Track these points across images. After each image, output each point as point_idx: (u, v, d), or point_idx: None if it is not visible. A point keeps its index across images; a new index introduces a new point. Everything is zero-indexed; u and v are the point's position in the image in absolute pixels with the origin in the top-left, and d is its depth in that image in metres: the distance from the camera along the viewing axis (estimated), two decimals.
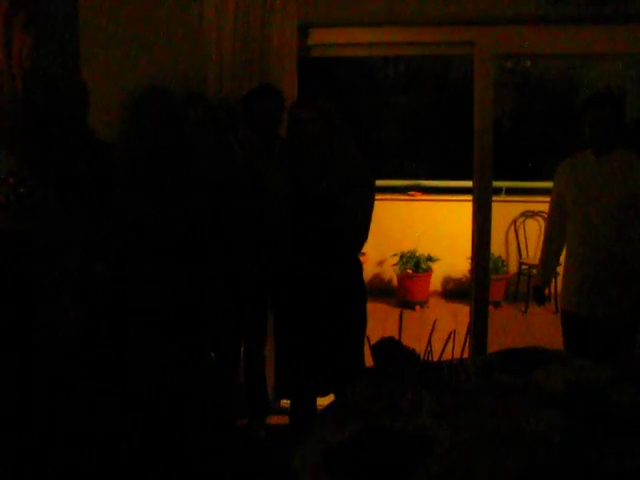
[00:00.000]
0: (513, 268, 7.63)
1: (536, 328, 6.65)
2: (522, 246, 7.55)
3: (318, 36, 4.11)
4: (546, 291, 4.27)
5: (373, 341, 2.66)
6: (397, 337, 2.71)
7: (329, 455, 2.09)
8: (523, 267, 7.51)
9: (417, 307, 7.34)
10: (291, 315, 3.47)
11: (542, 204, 6.91)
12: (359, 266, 3.51)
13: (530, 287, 7.26)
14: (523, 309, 7.20)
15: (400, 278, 7.50)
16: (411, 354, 2.58)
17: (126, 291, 3.42)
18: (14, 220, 3.12)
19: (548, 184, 4.18)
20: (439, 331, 2.72)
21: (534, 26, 3.96)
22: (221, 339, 4.02)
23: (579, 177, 3.71)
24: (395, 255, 7.52)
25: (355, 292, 3.46)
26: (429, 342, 2.66)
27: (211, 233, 3.72)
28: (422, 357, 2.63)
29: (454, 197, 7.81)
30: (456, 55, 7.85)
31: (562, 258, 3.95)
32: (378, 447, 2.14)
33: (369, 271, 7.71)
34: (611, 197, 3.56)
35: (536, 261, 7.39)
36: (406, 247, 7.54)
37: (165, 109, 3.90)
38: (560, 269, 4.05)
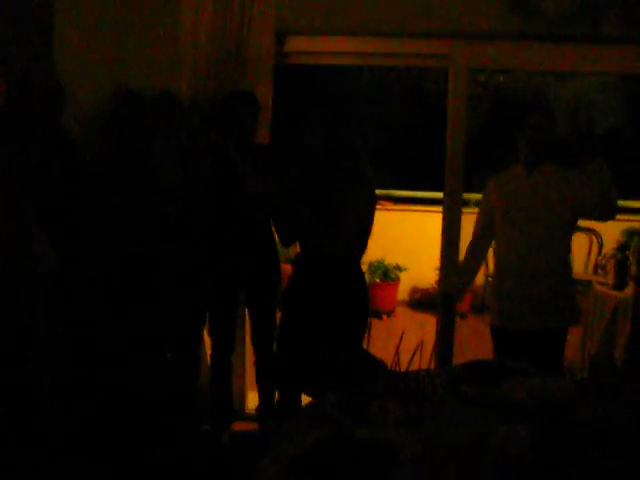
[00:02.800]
0: (479, 279, 7.67)
1: None
2: (489, 258, 7.60)
3: (295, 43, 4.11)
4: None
5: None
6: (365, 346, 2.73)
7: (294, 464, 2.09)
8: (489, 279, 7.55)
9: (384, 316, 7.36)
10: (299, 316, 3.55)
11: None
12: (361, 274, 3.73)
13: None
14: (488, 321, 7.22)
15: (368, 286, 7.50)
16: (379, 364, 2.60)
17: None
18: None
19: None
20: (406, 341, 2.73)
21: (508, 42, 3.99)
22: (182, 342, 4.03)
23: (510, 191, 3.74)
24: (363, 264, 7.52)
25: (359, 298, 3.62)
26: (397, 352, 2.67)
27: (177, 234, 3.74)
28: (389, 367, 2.65)
29: (424, 207, 7.85)
30: (431, 67, 7.90)
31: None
32: (344, 456, 2.13)
33: None
34: (545, 210, 3.61)
35: None
36: (374, 256, 7.55)
37: (136, 114, 3.90)
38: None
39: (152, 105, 3.85)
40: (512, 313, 3.75)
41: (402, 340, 2.70)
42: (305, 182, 3.56)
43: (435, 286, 7.03)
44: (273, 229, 3.88)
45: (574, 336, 5.48)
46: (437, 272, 4.10)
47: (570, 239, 3.81)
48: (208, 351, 4.20)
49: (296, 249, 3.78)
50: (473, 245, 3.98)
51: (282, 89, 4.10)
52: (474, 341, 6.53)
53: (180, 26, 3.97)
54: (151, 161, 3.77)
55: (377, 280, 7.42)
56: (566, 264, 3.78)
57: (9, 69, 3.67)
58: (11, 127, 3.29)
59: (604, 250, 7.53)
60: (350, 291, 3.53)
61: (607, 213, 3.60)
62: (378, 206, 8.28)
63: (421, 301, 7.82)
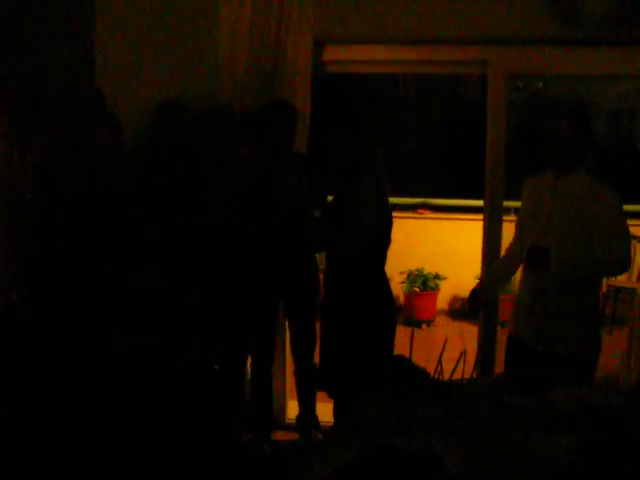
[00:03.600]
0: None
1: None
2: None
3: (333, 52, 4.12)
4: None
5: None
6: (406, 355, 2.70)
7: (339, 472, 2.07)
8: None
9: (424, 325, 7.31)
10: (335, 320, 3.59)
11: None
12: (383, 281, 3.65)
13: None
14: None
15: (407, 296, 7.48)
16: (421, 373, 2.57)
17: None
18: None
19: None
20: (447, 350, 2.70)
21: (548, 47, 3.95)
22: (226, 354, 4.03)
23: (535, 201, 3.56)
24: (403, 273, 7.50)
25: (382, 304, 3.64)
26: (439, 361, 2.65)
27: (220, 249, 3.76)
28: (432, 376, 2.62)
29: (463, 216, 7.79)
30: (469, 74, 7.86)
31: None
32: (387, 466, 2.12)
33: None
34: (564, 225, 3.36)
35: None
36: (414, 265, 7.52)
37: (180, 123, 3.93)
38: None
39: (207, 117, 3.87)
40: (529, 329, 3.51)
41: (444, 349, 2.67)
42: (326, 190, 3.59)
43: None
44: None
45: (619, 344, 5.42)
46: (477, 281, 4.06)
47: None
48: (248, 361, 4.21)
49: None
50: (507, 249, 3.86)
51: (320, 97, 4.10)
52: None
53: (219, 36, 4.00)
54: (200, 171, 3.79)
55: (416, 289, 7.38)
56: (591, 291, 3.50)
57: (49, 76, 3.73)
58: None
59: None
60: (373, 298, 3.56)
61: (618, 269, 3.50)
62: (417, 215, 8.29)
63: (461, 310, 7.75)
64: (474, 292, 3.84)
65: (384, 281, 3.65)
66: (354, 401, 2.52)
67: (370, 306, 3.53)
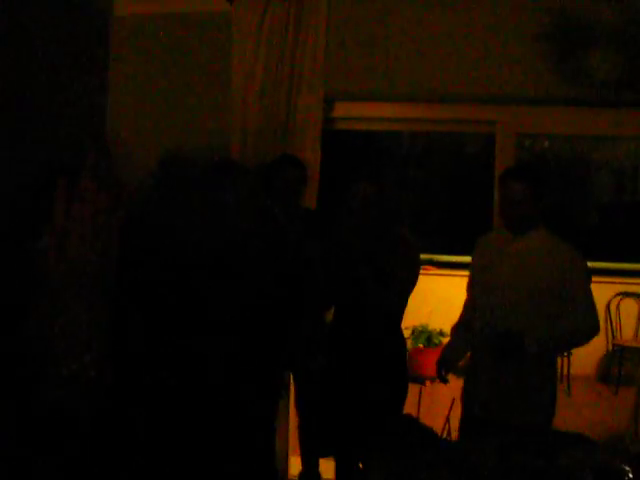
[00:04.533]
0: None
1: None
2: None
3: (343, 109, 4.17)
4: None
5: None
6: (413, 413, 2.68)
7: None
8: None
9: (427, 382, 7.24)
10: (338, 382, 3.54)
11: None
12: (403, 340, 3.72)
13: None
14: None
15: (411, 352, 7.42)
16: (429, 433, 2.54)
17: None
18: None
19: None
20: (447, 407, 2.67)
21: (556, 107, 4.00)
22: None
23: (486, 258, 3.40)
24: (407, 329, 7.45)
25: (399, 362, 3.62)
26: (447, 420, 2.63)
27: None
28: (440, 435, 2.59)
29: (468, 273, 7.77)
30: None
31: None
32: None
33: None
34: (518, 285, 3.19)
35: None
36: (418, 321, 7.48)
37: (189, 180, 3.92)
38: None
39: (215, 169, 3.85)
40: (480, 401, 3.36)
41: (446, 406, 2.65)
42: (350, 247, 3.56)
43: None
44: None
45: (623, 403, 5.37)
46: None
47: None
48: None
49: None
50: (461, 315, 3.73)
51: (329, 154, 4.13)
52: None
53: (231, 92, 4.06)
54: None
55: (420, 345, 7.33)
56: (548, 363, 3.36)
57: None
58: None
59: None
60: (391, 357, 3.55)
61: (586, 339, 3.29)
62: (423, 271, 8.28)
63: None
64: (439, 364, 3.70)
65: (402, 338, 3.64)
66: (363, 461, 2.49)
67: (385, 365, 3.48)
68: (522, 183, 3.18)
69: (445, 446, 2.51)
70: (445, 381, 3.67)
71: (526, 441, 2.71)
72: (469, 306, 3.63)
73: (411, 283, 3.57)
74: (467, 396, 3.51)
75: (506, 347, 3.13)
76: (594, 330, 3.25)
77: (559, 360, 7.30)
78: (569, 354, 7.17)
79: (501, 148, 4.10)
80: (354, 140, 9.17)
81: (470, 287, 3.63)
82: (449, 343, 3.82)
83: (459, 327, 3.72)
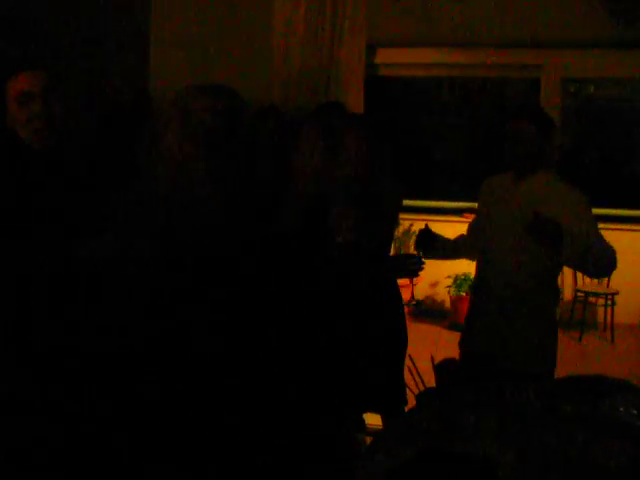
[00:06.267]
0: (568, 295, 7.51)
1: (591, 357, 6.55)
2: (578, 273, 7.43)
3: (385, 55, 4.14)
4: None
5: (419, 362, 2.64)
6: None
7: (390, 477, 2.07)
8: (579, 294, 7.40)
9: None
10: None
11: None
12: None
13: (585, 313, 7.20)
14: (578, 337, 7.09)
15: (453, 300, 7.44)
16: (474, 375, 2.57)
17: None
18: None
19: None
20: None
21: (603, 50, 3.92)
22: None
23: (492, 201, 3.37)
24: (449, 277, 7.47)
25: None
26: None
27: None
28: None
29: None
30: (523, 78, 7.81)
31: None
32: (441, 470, 2.11)
33: (422, 292, 7.69)
34: (518, 226, 3.08)
35: (592, 288, 7.38)
36: (460, 269, 7.47)
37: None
38: None
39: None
40: (481, 345, 3.34)
41: None
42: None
43: None
44: None
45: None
46: None
47: (557, 270, 3.34)
48: None
49: None
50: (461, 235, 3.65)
51: (372, 100, 4.12)
52: (563, 358, 6.39)
53: (273, 38, 4.04)
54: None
55: (463, 294, 7.33)
56: (547, 307, 3.34)
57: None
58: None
59: None
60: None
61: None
62: (463, 219, 8.26)
63: None
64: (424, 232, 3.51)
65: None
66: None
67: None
68: (525, 122, 3.14)
69: (489, 389, 2.53)
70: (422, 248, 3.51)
71: (570, 386, 2.72)
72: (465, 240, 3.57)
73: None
74: (465, 344, 3.48)
75: (547, 230, 2.95)
76: (613, 262, 3.10)
77: (602, 309, 7.33)
78: (613, 303, 7.14)
79: (546, 93, 4.04)
80: (396, 87, 9.10)
81: (469, 230, 3.59)
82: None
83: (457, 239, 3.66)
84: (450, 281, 7.46)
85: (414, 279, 3.77)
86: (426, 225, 3.48)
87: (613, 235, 7.08)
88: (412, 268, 3.45)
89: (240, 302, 2.21)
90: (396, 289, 3.57)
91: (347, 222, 2.91)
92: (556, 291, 3.43)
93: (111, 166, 2.95)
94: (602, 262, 3.07)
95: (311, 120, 3.20)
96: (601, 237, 3.12)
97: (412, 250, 3.60)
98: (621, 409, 2.40)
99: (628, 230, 7.31)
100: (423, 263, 3.43)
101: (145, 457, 2.21)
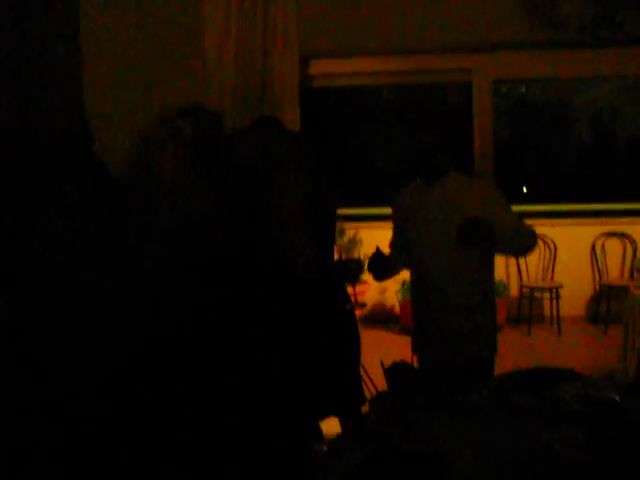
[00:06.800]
0: (514, 291, 7.65)
1: (540, 350, 6.68)
2: (522, 269, 7.57)
3: (319, 66, 4.17)
4: None
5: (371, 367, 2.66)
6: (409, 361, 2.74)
7: (346, 477, 2.09)
8: (524, 290, 7.54)
9: None
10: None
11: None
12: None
13: (532, 308, 7.32)
14: (526, 332, 7.22)
15: (403, 305, 7.50)
16: (424, 376, 2.61)
17: None
18: None
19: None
20: None
21: (530, 51, 4.02)
22: None
23: (410, 211, 3.46)
24: (397, 282, 7.53)
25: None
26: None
27: None
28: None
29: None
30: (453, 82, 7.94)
31: None
32: (395, 470, 2.14)
33: (371, 298, 7.75)
34: (439, 232, 3.27)
35: (537, 283, 7.53)
36: (407, 274, 7.52)
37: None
38: None
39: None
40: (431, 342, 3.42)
41: None
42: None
43: None
44: None
45: (615, 343, 5.47)
46: None
47: (490, 265, 3.42)
48: None
49: None
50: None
51: (309, 112, 4.13)
52: (513, 352, 6.51)
53: (206, 58, 4.02)
54: None
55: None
56: (485, 295, 3.42)
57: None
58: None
59: (639, 254, 7.49)
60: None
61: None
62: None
63: None
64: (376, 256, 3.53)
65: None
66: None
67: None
68: (426, 133, 3.35)
69: (440, 389, 2.57)
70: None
71: (520, 379, 2.77)
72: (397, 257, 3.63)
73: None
74: (418, 346, 3.53)
75: (475, 233, 3.07)
76: (536, 236, 3.35)
77: (548, 303, 7.48)
78: (557, 296, 7.29)
79: (478, 96, 4.12)
80: (333, 97, 9.15)
81: (393, 245, 3.67)
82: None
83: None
84: (398, 286, 7.52)
85: (355, 285, 3.82)
86: (377, 248, 3.52)
87: (554, 230, 7.37)
88: (352, 273, 3.51)
89: (230, 302, 2.26)
90: (344, 292, 3.59)
91: (300, 241, 2.92)
92: (492, 292, 3.51)
93: None
94: (527, 239, 3.31)
95: (248, 139, 3.18)
96: (517, 216, 3.33)
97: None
98: (566, 397, 2.47)
99: (568, 225, 7.51)
100: (363, 266, 3.50)
101: (145, 457, 2.24)
